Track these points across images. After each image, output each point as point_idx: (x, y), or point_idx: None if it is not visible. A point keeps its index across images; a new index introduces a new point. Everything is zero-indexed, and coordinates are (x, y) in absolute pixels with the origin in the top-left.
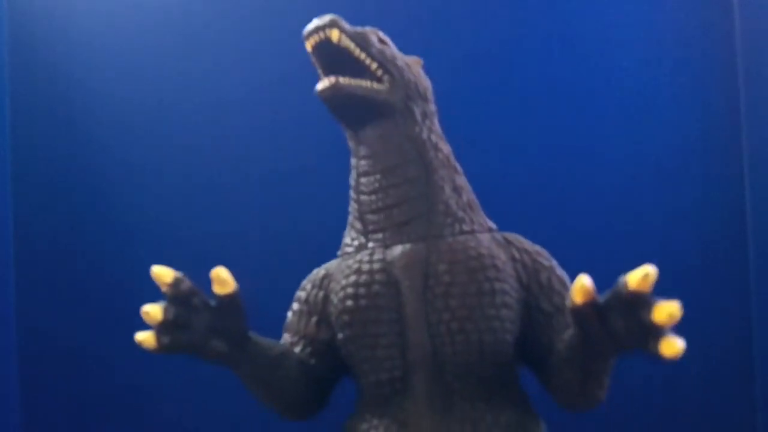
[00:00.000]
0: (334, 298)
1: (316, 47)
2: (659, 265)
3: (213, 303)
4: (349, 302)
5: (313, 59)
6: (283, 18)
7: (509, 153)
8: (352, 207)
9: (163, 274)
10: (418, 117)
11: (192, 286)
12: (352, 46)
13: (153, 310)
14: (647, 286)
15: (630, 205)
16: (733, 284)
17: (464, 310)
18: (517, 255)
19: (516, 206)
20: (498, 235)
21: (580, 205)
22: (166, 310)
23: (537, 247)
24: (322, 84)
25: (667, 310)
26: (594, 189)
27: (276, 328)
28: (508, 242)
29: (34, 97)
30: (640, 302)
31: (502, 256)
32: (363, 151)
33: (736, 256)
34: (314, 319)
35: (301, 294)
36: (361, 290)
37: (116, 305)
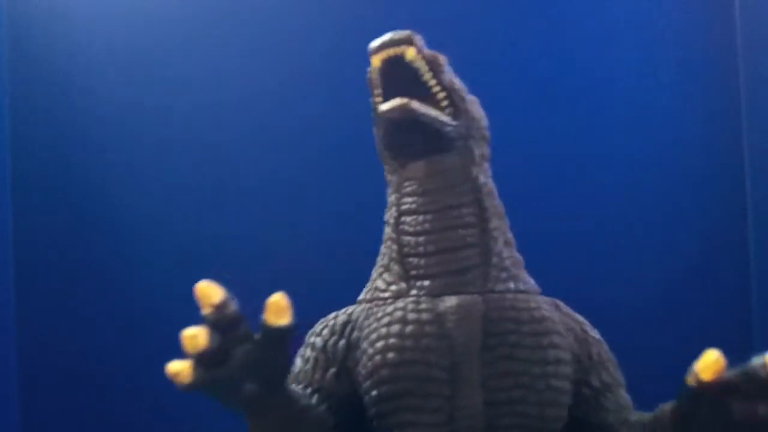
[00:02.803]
0: (368, 349)
1: (386, 63)
2: (659, 264)
3: (258, 336)
4: (392, 354)
5: (375, 76)
6: (284, 19)
7: (509, 152)
8: (389, 248)
9: (211, 292)
10: (477, 158)
11: (239, 313)
12: (425, 68)
13: (199, 335)
14: None
15: (630, 204)
16: (733, 284)
17: (528, 377)
18: (571, 324)
19: (516, 206)
20: (548, 300)
21: (580, 204)
22: (210, 337)
23: (582, 318)
24: (392, 104)
25: None
26: (594, 189)
27: None
28: (558, 307)
29: (34, 97)
30: None
31: (559, 321)
32: (411, 186)
33: (737, 255)
34: (333, 370)
35: (316, 340)
36: (408, 342)
37: (116, 305)
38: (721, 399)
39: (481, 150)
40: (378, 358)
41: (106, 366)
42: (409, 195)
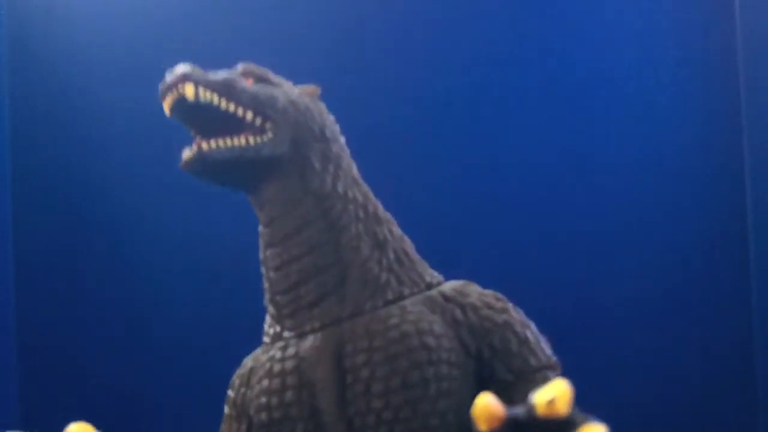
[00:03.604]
0: (253, 403)
1: (174, 109)
2: (660, 264)
3: None
4: (263, 415)
5: (178, 122)
6: (284, 19)
7: (509, 152)
8: (265, 284)
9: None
10: (317, 164)
11: None
12: (215, 98)
13: None
14: (560, 410)
15: (630, 204)
16: (733, 284)
17: (390, 411)
18: (460, 316)
19: (515, 206)
20: (435, 294)
21: (580, 204)
22: None
23: (488, 298)
24: (184, 155)
25: None
26: (594, 189)
27: None
28: (448, 300)
29: (34, 97)
30: (561, 424)
31: (436, 327)
32: (264, 216)
33: (737, 255)
34: (244, 426)
35: (230, 394)
36: (273, 400)
37: (116, 305)
38: None
39: (321, 152)
40: (255, 418)
41: (106, 365)
42: (265, 225)
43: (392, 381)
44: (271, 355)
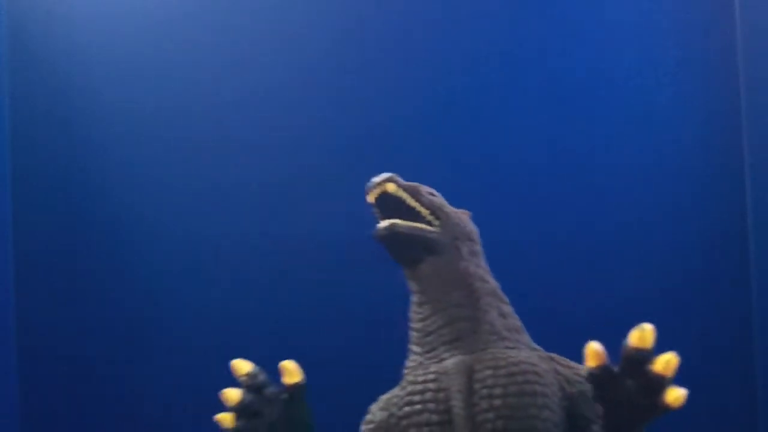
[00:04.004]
0: (394, 411)
1: (377, 199)
2: (659, 264)
3: (283, 396)
4: (406, 408)
5: (374, 209)
6: (285, 19)
7: (508, 152)
8: (411, 335)
9: (241, 366)
10: (465, 254)
11: (266, 379)
12: (406, 196)
13: (231, 394)
14: (647, 342)
15: (630, 205)
16: (733, 284)
17: (507, 409)
18: (560, 369)
19: (514, 206)
20: (542, 353)
21: (579, 204)
22: (242, 396)
23: (581, 366)
24: (381, 225)
25: (664, 360)
26: (593, 189)
27: (277, 330)
28: (551, 358)
29: (34, 97)
30: (643, 359)
31: (543, 365)
32: (418, 285)
33: (737, 255)
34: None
35: (368, 417)
36: (416, 397)
37: (116, 305)
38: (615, 384)
39: (469, 248)
40: (399, 412)
41: (106, 365)
42: (418, 292)
43: (509, 387)
44: (414, 374)
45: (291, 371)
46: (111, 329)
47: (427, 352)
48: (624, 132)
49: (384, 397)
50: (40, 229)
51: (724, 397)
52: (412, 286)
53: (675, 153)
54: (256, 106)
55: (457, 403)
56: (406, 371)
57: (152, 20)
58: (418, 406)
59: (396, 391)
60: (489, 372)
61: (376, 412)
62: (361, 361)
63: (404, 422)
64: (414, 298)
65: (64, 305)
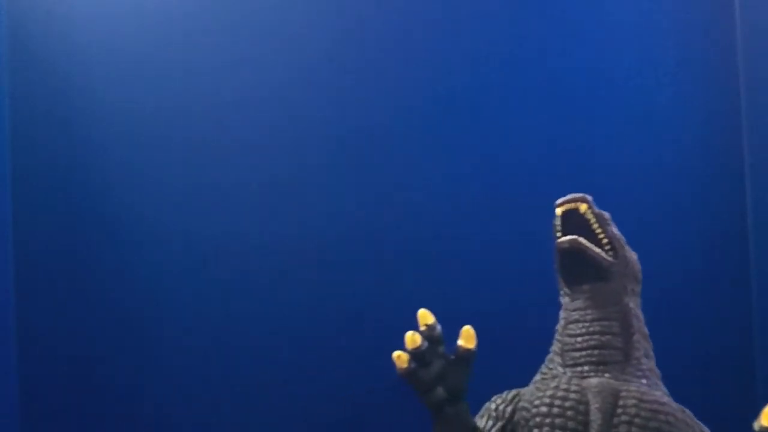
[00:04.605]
0: (531, 409)
1: (565, 213)
2: (659, 264)
3: (452, 356)
4: (543, 408)
5: (558, 222)
6: (285, 19)
7: (508, 152)
8: (556, 345)
9: (426, 316)
10: (629, 291)
11: (441, 334)
12: (594, 220)
13: (415, 337)
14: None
15: (629, 204)
16: (733, 284)
17: None
18: (689, 422)
19: (515, 206)
20: (675, 403)
21: None
22: (423, 342)
23: (706, 429)
24: (566, 238)
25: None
26: (593, 189)
27: (277, 330)
28: (683, 410)
29: (34, 97)
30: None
31: (679, 414)
32: (576, 303)
33: (737, 255)
34: (500, 424)
35: (490, 406)
36: (556, 401)
37: (116, 305)
38: None
39: (633, 286)
40: (534, 410)
41: (106, 365)
42: (575, 310)
43: (650, 423)
44: (555, 381)
45: (470, 336)
46: (111, 329)
47: (570, 366)
48: (624, 132)
49: (509, 393)
50: (40, 229)
51: (724, 396)
52: (569, 301)
53: (675, 153)
54: (256, 106)
55: (596, 420)
56: (542, 376)
57: (152, 20)
58: (557, 410)
59: (524, 391)
60: (634, 401)
61: (497, 400)
62: (360, 361)
63: (537, 419)
64: (567, 313)
65: (64, 305)
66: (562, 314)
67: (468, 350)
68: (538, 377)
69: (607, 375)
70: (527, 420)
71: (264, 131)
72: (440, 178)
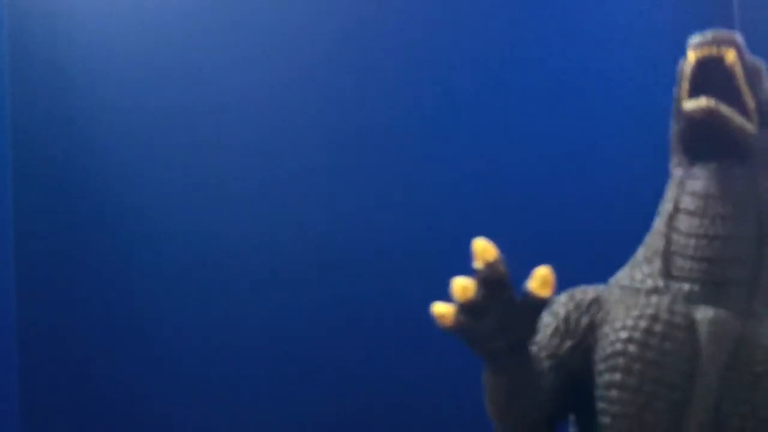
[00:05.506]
0: (610, 334)
1: (701, 61)
2: None
3: (518, 300)
4: (633, 348)
5: (687, 69)
6: (285, 19)
7: (507, 152)
8: (656, 241)
9: (487, 249)
10: None
11: (507, 272)
12: (741, 75)
13: (469, 287)
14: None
15: (630, 205)
16: None
17: (767, 412)
18: None
19: (515, 205)
20: None
21: (579, 204)
22: (477, 290)
23: None
24: (697, 103)
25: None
26: (594, 189)
27: (276, 330)
28: None
29: (34, 97)
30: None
31: None
32: (693, 186)
33: None
34: (570, 343)
35: (559, 310)
36: (653, 340)
37: (116, 305)
38: None
39: None
40: (619, 345)
41: (106, 365)
42: (689, 194)
43: None
44: (653, 302)
45: (546, 282)
46: (111, 329)
47: (675, 279)
48: (624, 132)
49: (586, 294)
50: (41, 229)
51: None
52: (683, 182)
53: None
54: (256, 106)
55: (707, 374)
56: (632, 280)
57: (152, 20)
58: (651, 354)
59: (605, 296)
60: (761, 355)
61: (569, 304)
62: (361, 361)
63: (621, 361)
64: (678, 199)
65: (64, 305)
66: (669, 194)
67: (541, 298)
68: (625, 277)
69: (728, 304)
70: (611, 351)
71: (264, 131)
72: (440, 178)
